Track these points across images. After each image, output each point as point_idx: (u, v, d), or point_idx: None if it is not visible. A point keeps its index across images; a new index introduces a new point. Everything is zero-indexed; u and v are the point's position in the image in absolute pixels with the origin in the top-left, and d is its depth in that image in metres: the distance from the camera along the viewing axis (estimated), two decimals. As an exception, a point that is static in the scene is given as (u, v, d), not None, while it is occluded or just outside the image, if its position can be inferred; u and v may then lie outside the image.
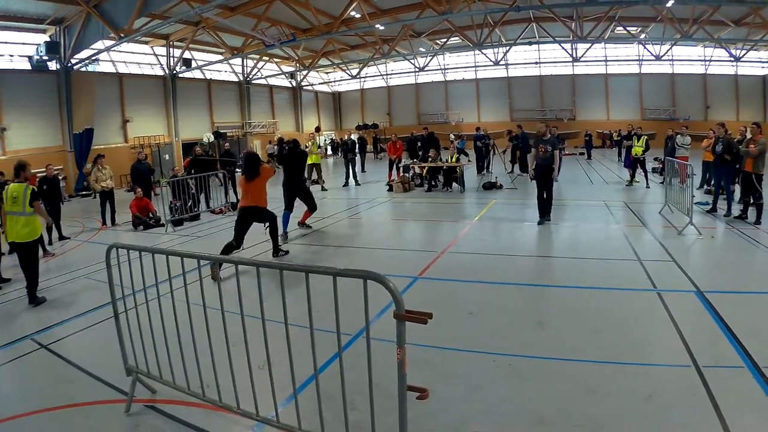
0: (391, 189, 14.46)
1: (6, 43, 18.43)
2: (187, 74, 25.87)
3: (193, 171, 12.35)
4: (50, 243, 9.49)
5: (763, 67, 29.57)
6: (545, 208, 9.09)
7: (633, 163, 13.60)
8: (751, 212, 8.58)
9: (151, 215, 11.07)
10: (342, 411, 2.50)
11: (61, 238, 10.09)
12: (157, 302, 3.23)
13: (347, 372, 2.47)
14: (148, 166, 12.72)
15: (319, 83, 38.40)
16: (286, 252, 7.47)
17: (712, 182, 10.56)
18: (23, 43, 18.85)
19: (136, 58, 24.14)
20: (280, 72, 31.81)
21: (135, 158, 12.55)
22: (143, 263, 3.21)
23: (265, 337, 2.69)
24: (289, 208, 8.89)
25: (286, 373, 2.67)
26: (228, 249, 6.68)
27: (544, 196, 9.02)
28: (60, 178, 13.43)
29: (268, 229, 7.30)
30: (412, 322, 2.13)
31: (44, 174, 10.28)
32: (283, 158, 9.25)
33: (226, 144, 15.75)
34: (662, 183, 11.88)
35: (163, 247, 3.85)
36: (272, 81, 32.18)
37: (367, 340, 2.34)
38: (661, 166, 14.66)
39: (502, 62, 31.65)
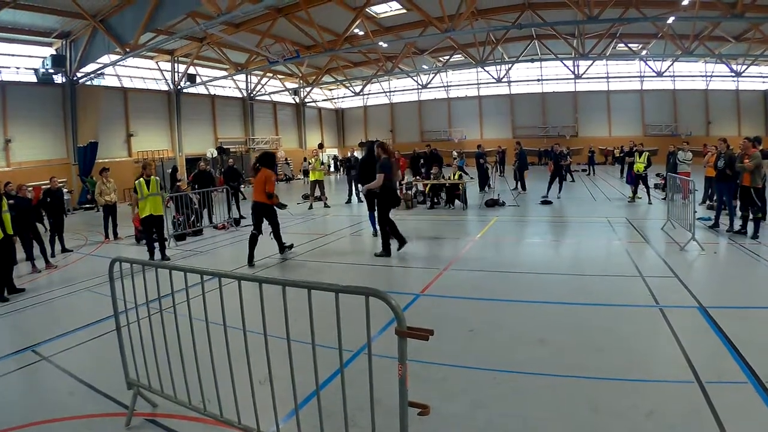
0: (393, 205, 14.44)
1: (12, 55, 18.74)
2: (192, 89, 26.21)
3: (196, 186, 12.42)
4: (53, 255, 9.52)
5: (764, 82, 29.84)
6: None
7: (635, 180, 13.63)
8: (750, 227, 8.56)
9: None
10: (343, 427, 2.49)
11: (64, 250, 10.13)
12: (160, 316, 3.24)
13: (348, 388, 2.46)
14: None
15: (323, 100, 38.78)
16: (291, 246, 7.65)
17: (714, 197, 10.57)
18: (29, 56, 19.18)
19: (141, 72, 24.49)
20: (284, 88, 32.14)
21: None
22: (146, 277, 3.22)
23: (267, 352, 2.69)
24: (371, 208, 9.28)
25: (288, 389, 2.67)
26: (253, 238, 7.77)
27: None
28: (64, 191, 13.51)
29: (271, 234, 7.98)
30: (413, 339, 2.14)
31: (48, 186, 10.36)
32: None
33: (230, 160, 15.81)
34: (664, 199, 11.89)
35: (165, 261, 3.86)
36: (276, 97, 32.49)
37: (368, 356, 2.35)
38: (663, 182, 14.68)
39: (505, 79, 31.98)
